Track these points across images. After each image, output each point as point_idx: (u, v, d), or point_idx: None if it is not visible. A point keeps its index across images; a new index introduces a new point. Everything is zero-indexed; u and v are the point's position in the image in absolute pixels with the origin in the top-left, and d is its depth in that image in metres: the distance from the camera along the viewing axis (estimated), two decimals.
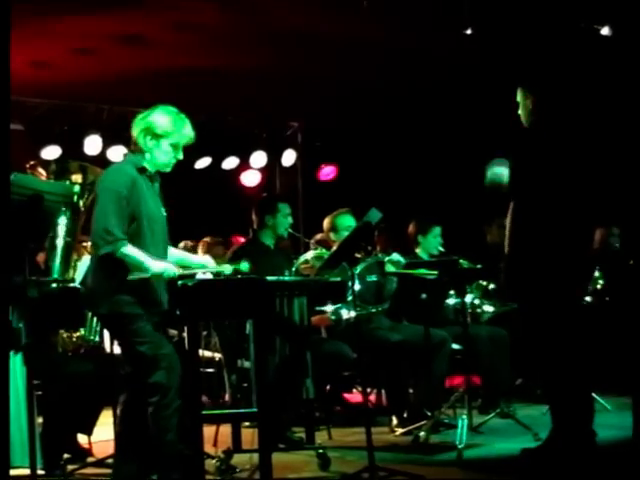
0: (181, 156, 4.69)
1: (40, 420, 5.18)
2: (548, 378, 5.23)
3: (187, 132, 4.67)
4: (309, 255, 6.15)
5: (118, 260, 4.43)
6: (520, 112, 5.32)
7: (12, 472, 4.83)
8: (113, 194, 4.49)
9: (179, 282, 4.62)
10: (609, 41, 7.54)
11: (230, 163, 10.85)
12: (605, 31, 7.59)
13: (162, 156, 4.64)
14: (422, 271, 6.39)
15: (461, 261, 6.51)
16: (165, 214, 4.72)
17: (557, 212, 5.09)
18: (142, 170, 4.62)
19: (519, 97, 5.32)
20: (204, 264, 5.00)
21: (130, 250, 4.44)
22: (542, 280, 5.10)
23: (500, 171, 5.22)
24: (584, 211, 5.13)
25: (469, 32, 7.34)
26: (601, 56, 7.49)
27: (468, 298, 6.68)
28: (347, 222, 6.51)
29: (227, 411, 5.55)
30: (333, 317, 6.18)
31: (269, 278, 4.92)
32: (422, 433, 5.89)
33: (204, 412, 5.10)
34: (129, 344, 4.56)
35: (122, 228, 4.45)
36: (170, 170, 4.73)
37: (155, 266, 4.45)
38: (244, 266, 4.92)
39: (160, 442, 4.50)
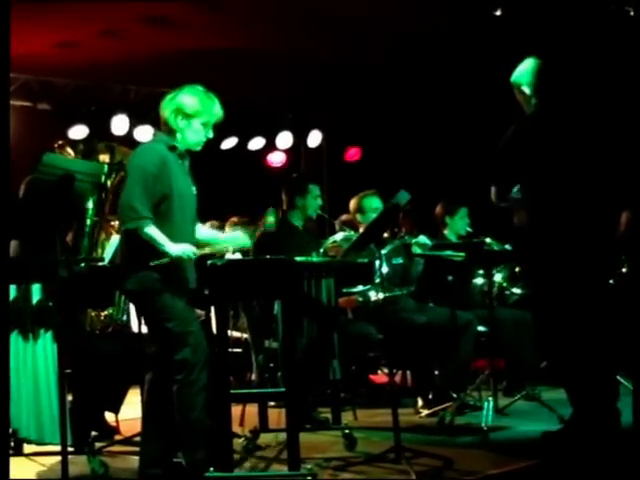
0: (211, 134, 4.72)
1: (70, 398, 5.22)
2: (571, 361, 5.22)
3: (216, 111, 4.71)
4: (338, 237, 6.15)
5: (142, 237, 4.45)
6: (520, 100, 5.30)
7: (42, 449, 4.93)
8: (142, 172, 4.51)
9: (208, 262, 4.63)
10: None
11: (256, 143, 10.88)
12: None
13: (193, 135, 4.67)
14: (449, 253, 6.39)
15: (490, 242, 6.50)
16: (195, 192, 4.74)
17: (577, 196, 5.07)
18: (173, 148, 4.65)
19: (516, 92, 5.31)
20: (234, 238, 5.02)
21: (152, 231, 4.44)
22: (564, 265, 5.09)
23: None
24: (606, 195, 5.10)
25: (498, 13, 7.31)
26: (631, 38, 7.42)
27: (495, 280, 6.66)
28: (374, 204, 6.51)
29: (256, 390, 5.56)
30: (361, 299, 6.19)
31: (297, 259, 4.91)
32: (447, 415, 5.89)
33: (232, 392, 5.11)
34: (156, 321, 4.56)
35: (147, 206, 4.45)
36: (200, 149, 4.76)
37: (174, 249, 4.44)
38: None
39: (184, 420, 4.50)
